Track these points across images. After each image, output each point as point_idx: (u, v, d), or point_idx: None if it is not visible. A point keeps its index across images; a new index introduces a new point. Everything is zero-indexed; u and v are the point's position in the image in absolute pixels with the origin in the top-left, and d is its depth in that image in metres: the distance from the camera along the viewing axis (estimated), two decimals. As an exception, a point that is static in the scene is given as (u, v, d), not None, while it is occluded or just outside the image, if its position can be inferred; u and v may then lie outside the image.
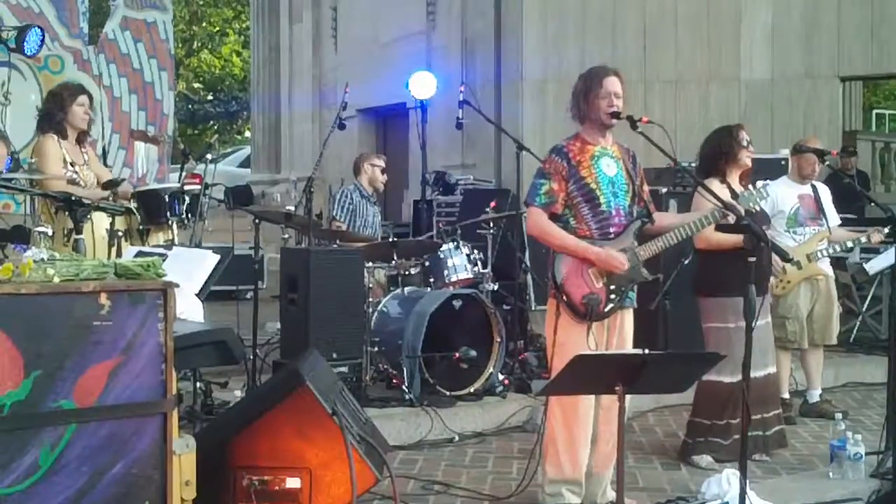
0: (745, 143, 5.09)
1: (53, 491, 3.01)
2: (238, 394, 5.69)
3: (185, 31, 27.47)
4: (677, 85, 10.81)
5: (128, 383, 3.14)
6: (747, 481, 3.82)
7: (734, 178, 5.10)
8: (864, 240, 5.88)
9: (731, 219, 4.32)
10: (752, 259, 3.97)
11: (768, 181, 4.82)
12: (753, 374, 4.89)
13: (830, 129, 10.46)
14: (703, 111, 10.74)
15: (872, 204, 7.05)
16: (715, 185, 4.93)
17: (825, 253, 6.01)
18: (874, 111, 18.53)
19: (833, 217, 6.21)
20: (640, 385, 3.37)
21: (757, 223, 4.43)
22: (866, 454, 4.86)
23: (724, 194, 4.81)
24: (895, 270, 5.04)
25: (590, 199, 4.24)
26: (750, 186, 4.58)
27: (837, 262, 7.06)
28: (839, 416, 5.30)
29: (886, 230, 5.45)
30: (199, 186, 5.92)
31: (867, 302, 8.54)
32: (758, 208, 4.74)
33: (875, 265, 7.05)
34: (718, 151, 5.11)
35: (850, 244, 6.09)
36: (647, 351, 3.30)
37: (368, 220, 7.43)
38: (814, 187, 6.18)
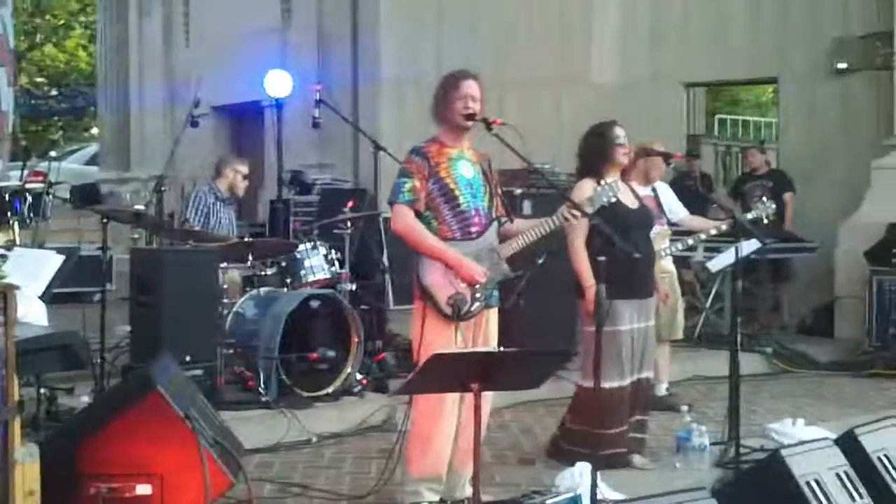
0: (618, 141, 5.03)
1: None
2: (85, 399, 5.49)
3: (27, 23, 26.34)
4: (531, 87, 11.00)
5: (-36, 391, 3.00)
6: (598, 474, 3.93)
7: (614, 177, 5.00)
8: (713, 231, 6.12)
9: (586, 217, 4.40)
10: (602, 258, 4.08)
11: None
12: (638, 376, 5.00)
13: (675, 133, 10.85)
14: (556, 113, 10.98)
15: (715, 205, 7.38)
16: (588, 184, 4.95)
17: (668, 251, 6.24)
18: (717, 116, 19.34)
19: (679, 210, 6.44)
20: (496, 382, 3.41)
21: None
22: (711, 444, 5.07)
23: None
24: (735, 269, 5.26)
25: (449, 200, 4.29)
26: (602, 182, 4.62)
27: (682, 261, 7.34)
28: (685, 408, 5.48)
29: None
30: (42, 185, 5.70)
31: (710, 299, 8.90)
32: (612, 202, 4.73)
33: (717, 263, 7.37)
34: (592, 152, 5.06)
35: (690, 241, 6.33)
36: (501, 348, 3.35)
37: (223, 222, 7.25)
38: (653, 188, 6.40)
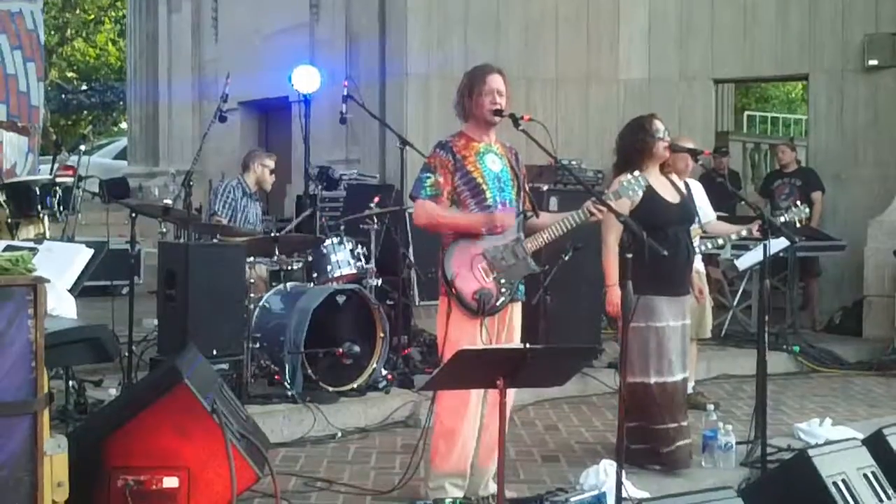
0: (659, 134, 4.96)
1: (-86, 496, 2.88)
2: (113, 392, 5.54)
3: (57, 18, 26.53)
4: (558, 84, 10.98)
5: (-5, 382, 3.03)
6: (623, 472, 3.92)
7: (653, 171, 4.97)
8: (744, 233, 6.07)
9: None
10: (629, 255, 4.06)
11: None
12: (675, 377, 4.89)
13: (704, 129, 10.78)
14: (584, 110, 10.95)
15: (743, 202, 7.32)
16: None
17: (698, 250, 6.18)
18: (745, 113, 19.20)
19: (709, 212, 6.39)
20: (521, 379, 3.40)
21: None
22: (737, 444, 5.04)
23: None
24: (763, 267, 5.22)
25: (476, 194, 4.29)
26: (629, 176, 4.58)
27: (710, 259, 7.30)
28: (711, 407, 5.46)
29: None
30: (72, 178, 5.75)
31: (738, 297, 8.86)
32: (637, 197, 4.70)
33: (745, 262, 7.32)
34: (632, 146, 4.98)
35: (720, 241, 6.28)
36: (527, 345, 3.34)
37: (249, 216, 7.31)
38: (686, 185, 6.33)
